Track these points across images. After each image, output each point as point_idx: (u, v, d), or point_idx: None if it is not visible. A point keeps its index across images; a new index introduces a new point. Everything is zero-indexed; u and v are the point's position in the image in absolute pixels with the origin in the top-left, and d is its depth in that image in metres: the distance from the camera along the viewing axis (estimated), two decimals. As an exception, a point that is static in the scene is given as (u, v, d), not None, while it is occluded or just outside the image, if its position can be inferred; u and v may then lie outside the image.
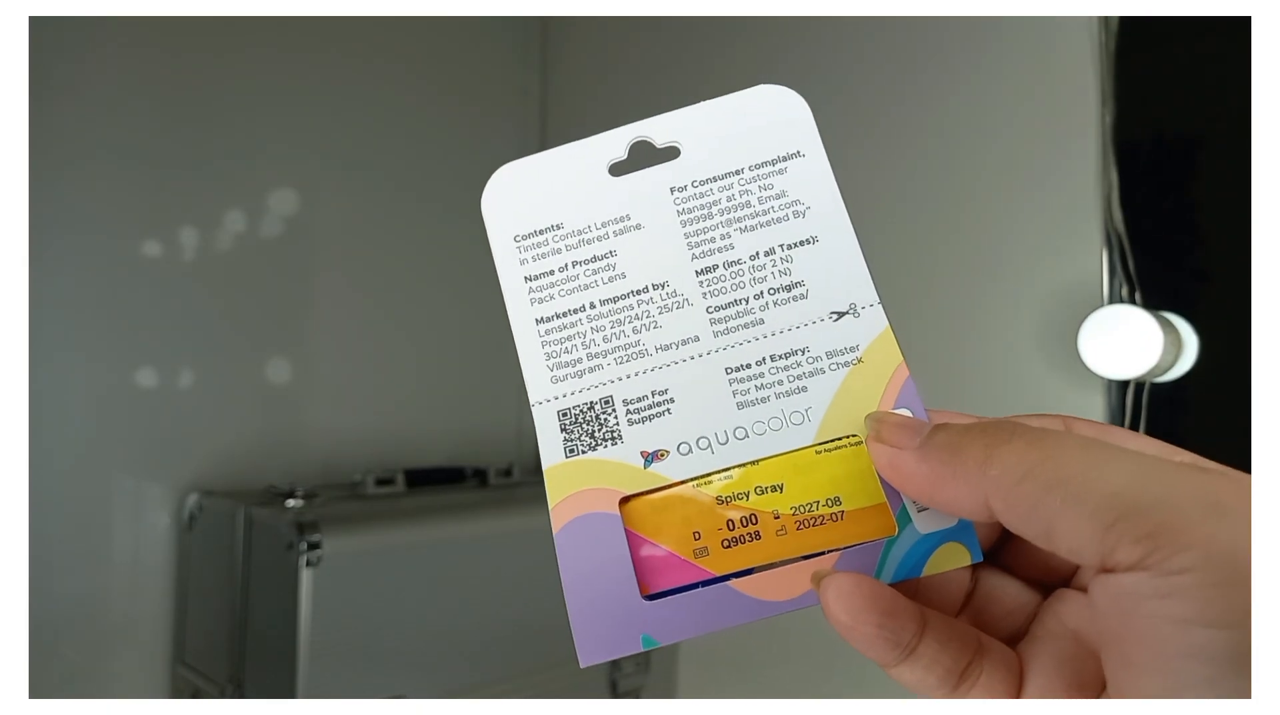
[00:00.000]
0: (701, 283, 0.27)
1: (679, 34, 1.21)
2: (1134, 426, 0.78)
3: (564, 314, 0.27)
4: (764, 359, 0.27)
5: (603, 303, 0.27)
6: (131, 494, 1.05)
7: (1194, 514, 0.17)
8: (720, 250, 0.28)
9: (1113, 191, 0.81)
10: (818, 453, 0.26)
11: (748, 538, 0.25)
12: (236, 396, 1.12)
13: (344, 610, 0.89)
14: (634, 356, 0.27)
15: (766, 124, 0.28)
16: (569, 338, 0.27)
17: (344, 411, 1.21)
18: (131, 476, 1.05)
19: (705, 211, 0.28)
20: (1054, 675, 0.22)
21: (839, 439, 0.26)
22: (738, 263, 0.27)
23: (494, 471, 1.13)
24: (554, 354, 0.27)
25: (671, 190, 0.28)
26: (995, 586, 0.25)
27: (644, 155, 0.29)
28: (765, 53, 1.11)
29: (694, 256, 0.28)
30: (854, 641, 0.21)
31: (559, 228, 0.28)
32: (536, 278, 0.28)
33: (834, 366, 0.26)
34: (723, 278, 0.27)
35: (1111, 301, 0.80)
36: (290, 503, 0.97)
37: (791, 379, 0.26)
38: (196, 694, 1.01)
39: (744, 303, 0.27)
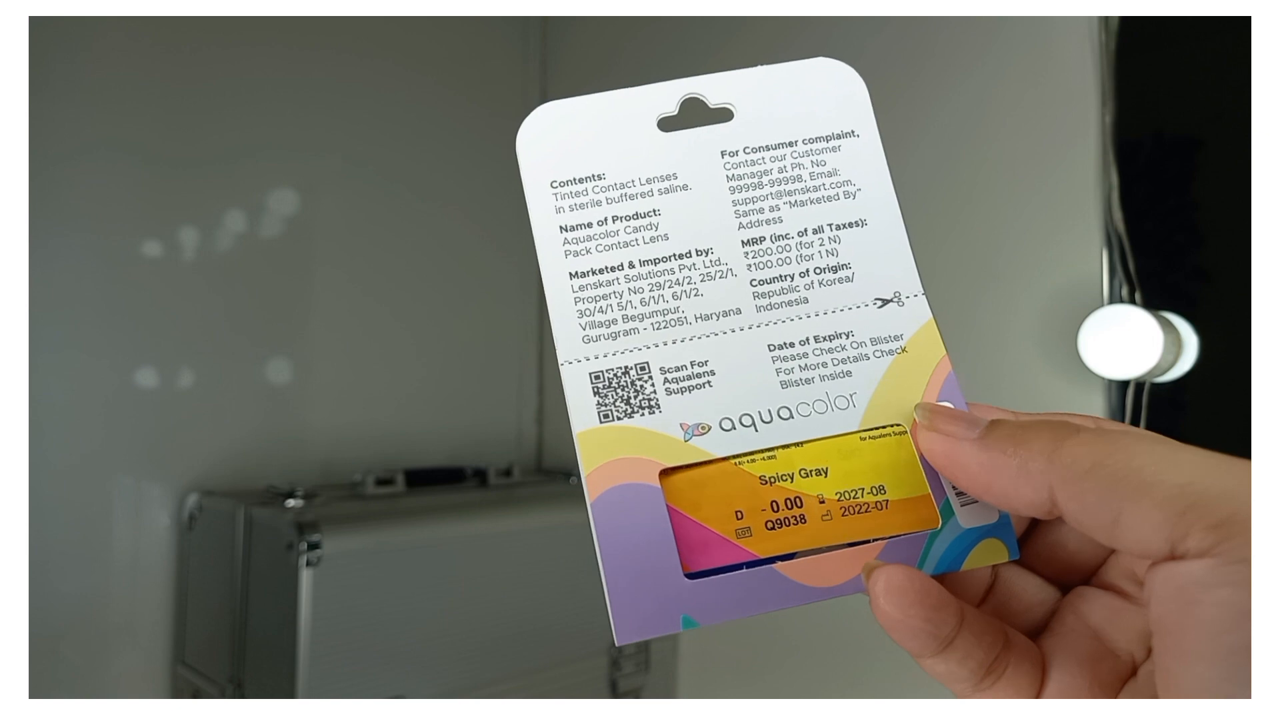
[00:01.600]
0: (747, 254, 0.26)
1: (679, 34, 1.21)
2: (1134, 426, 0.78)
3: (600, 271, 0.26)
4: (807, 339, 0.26)
5: (642, 263, 0.26)
6: (131, 494, 1.05)
7: None
8: (769, 222, 0.27)
9: (1113, 191, 0.81)
10: (862, 439, 0.25)
11: (792, 521, 0.24)
12: (236, 396, 1.12)
13: (344, 610, 0.89)
14: (673, 323, 0.26)
15: (823, 98, 0.27)
16: (604, 297, 0.26)
17: (344, 411, 1.21)
18: (131, 476, 1.05)
19: (755, 180, 0.27)
20: (1075, 672, 0.22)
21: (883, 427, 0.25)
22: (785, 237, 0.27)
23: (494, 471, 1.13)
24: (587, 312, 0.26)
25: (722, 154, 0.27)
26: (1015, 581, 0.25)
27: (695, 114, 0.27)
28: (765, 53, 1.11)
29: (741, 226, 0.27)
30: (897, 633, 0.21)
31: (600, 178, 0.26)
32: (573, 228, 0.26)
33: (878, 353, 0.26)
34: (769, 251, 0.26)
35: (1112, 301, 0.80)
36: (290, 503, 0.97)
37: (836, 362, 0.26)
38: (196, 694, 1.01)
39: (789, 279, 0.26)
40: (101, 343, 1.03)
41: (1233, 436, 0.73)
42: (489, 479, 1.13)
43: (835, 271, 0.26)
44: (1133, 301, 0.79)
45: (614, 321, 0.26)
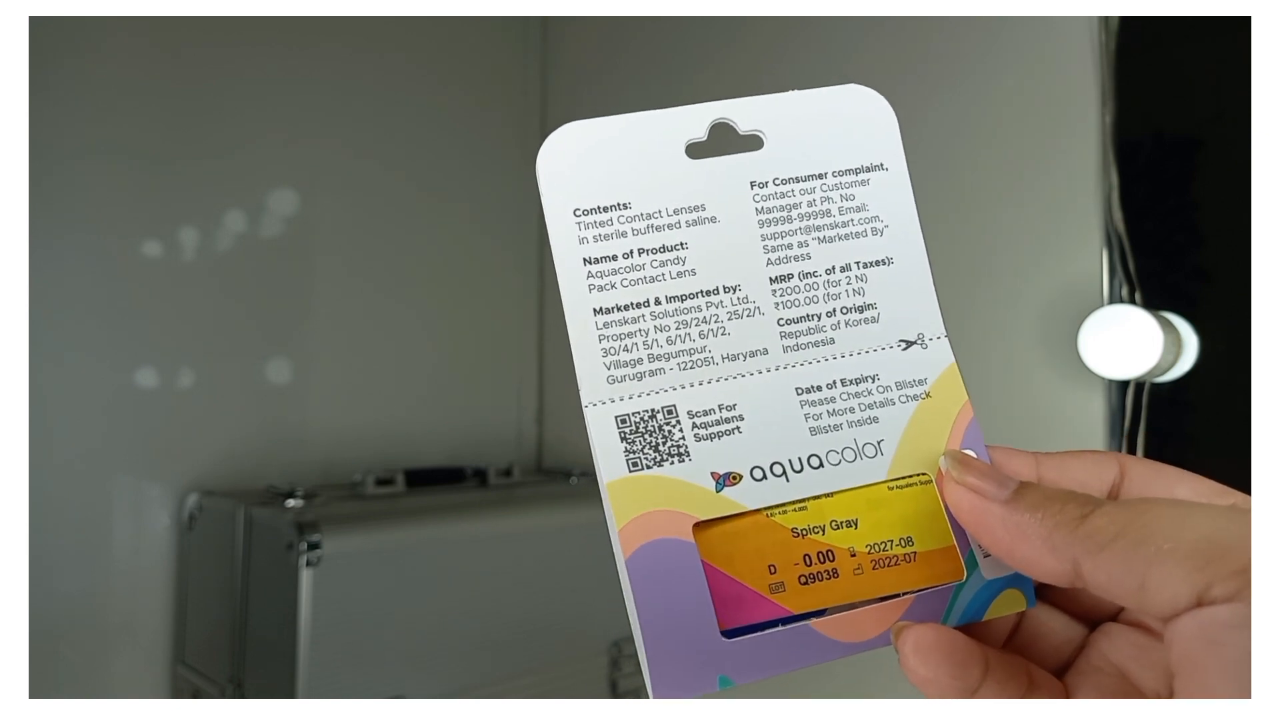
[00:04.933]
0: (775, 292, 0.25)
1: (678, 34, 1.21)
2: (1134, 427, 0.78)
3: (626, 307, 0.25)
4: (834, 382, 0.25)
5: (669, 299, 0.25)
6: (131, 494, 1.05)
7: None
8: (797, 259, 0.26)
9: (1113, 191, 0.81)
10: (890, 489, 0.25)
11: (825, 575, 0.24)
12: (236, 396, 1.12)
13: (344, 610, 0.89)
14: (699, 363, 0.25)
15: (853, 128, 0.27)
16: (629, 334, 0.25)
17: (344, 411, 1.21)
18: (131, 476, 1.05)
19: (785, 214, 0.26)
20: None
21: (910, 476, 0.25)
22: (813, 275, 0.26)
23: (494, 471, 1.13)
24: (612, 351, 0.24)
25: (752, 184, 0.26)
26: (1042, 620, 0.25)
27: (723, 138, 0.26)
28: (764, 53, 1.11)
29: (769, 262, 0.26)
30: (926, 689, 0.22)
31: (626, 208, 0.25)
32: (597, 261, 0.25)
33: (903, 398, 0.25)
34: (797, 289, 0.26)
35: (1112, 301, 0.80)
36: (290, 503, 0.97)
37: (863, 407, 0.25)
38: (196, 694, 1.01)
39: (816, 319, 0.26)
40: (101, 343, 1.03)
41: (1233, 436, 0.73)
42: (489, 479, 1.12)
43: (861, 311, 0.26)
44: (1133, 301, 0.79)
45: (639, 361, 0.25)
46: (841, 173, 0.26)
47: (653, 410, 0.24)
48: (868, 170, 0.27)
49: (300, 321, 1.18)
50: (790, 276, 0.26)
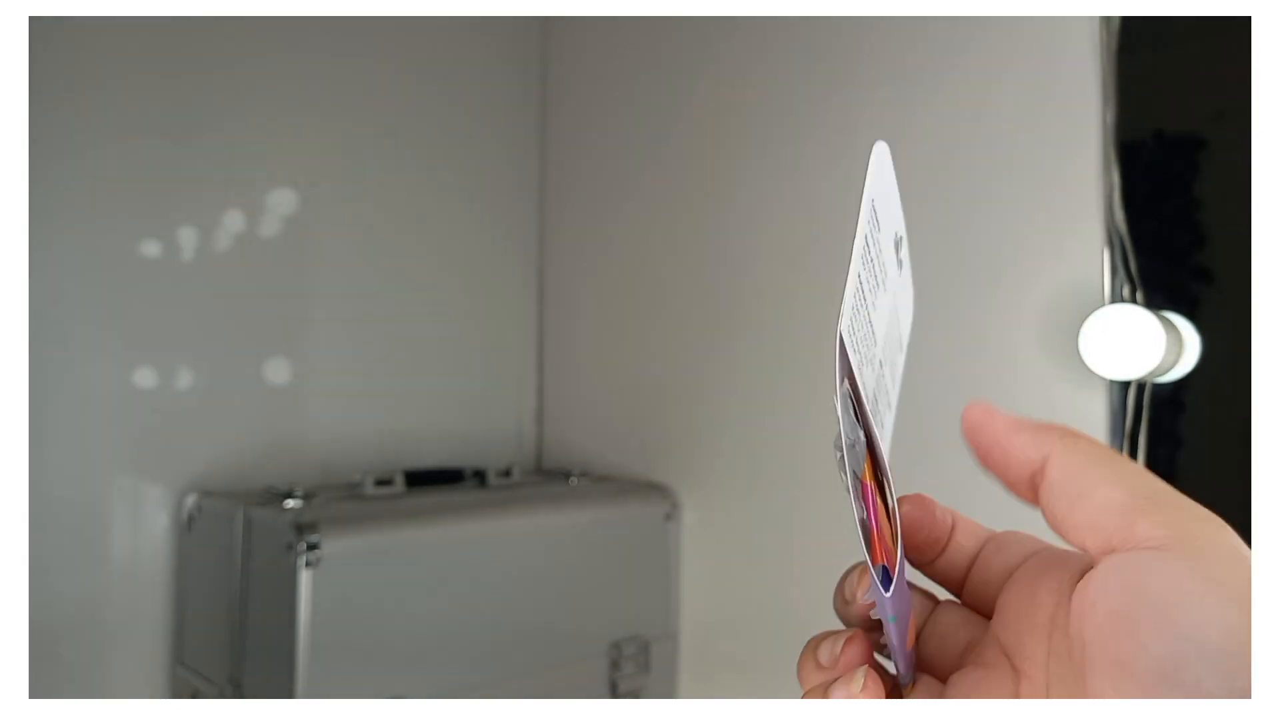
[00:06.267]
0: (881, 368, 0.28)
1: (678, 34, 1.21)
2: (1135, 426, 0.78)
3: (860, 279, 0.25)
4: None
5: (864, 292, 0.26)
6: (131, 494, 1.05)
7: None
8: (884, 363, 0.29)
9: (1114, 191, 0.81)
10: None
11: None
12: (236, 396, 1.12)
13: (343, 610, 0.89)
14: (866, 361, 0.26)
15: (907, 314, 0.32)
16: (859, 303, 0.25)
17: (344, 411, 1.21)
18: (131, 477, 1.05)
19: (892, 318, 0.29)
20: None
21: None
22: (884, 366, 0.29)
23: (493, 472, 1.13)
24: (855, 309, 0.25)
25: (894, 267, 0.29)
26: (945, 616, 0.29)
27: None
28: (764, 53, 1.11)
29: (882, 347, 0.28)
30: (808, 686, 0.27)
31: (879, 225, 0.27)
32: (868, 247, 0.26)
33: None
34: (883, 377, 0.29)
35: (1113, 301, 0.80)
36: (289, 503, 0.96)
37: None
38: (196, 694, 1.01)
39: (885, 398, 0.29)
40: (100, 343, 1.03)
41: (1233, 436, 0.73)
42: (488, 479, 1.12)
43: (890, 408, 0.30)
44: (1134, 301, 0.78)
45: (856, 327, 0.25)
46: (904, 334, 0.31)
47: (864, 378, 0.26)
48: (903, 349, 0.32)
49: (300, 321, 1.18)
50: (882, 363, 0.29)
